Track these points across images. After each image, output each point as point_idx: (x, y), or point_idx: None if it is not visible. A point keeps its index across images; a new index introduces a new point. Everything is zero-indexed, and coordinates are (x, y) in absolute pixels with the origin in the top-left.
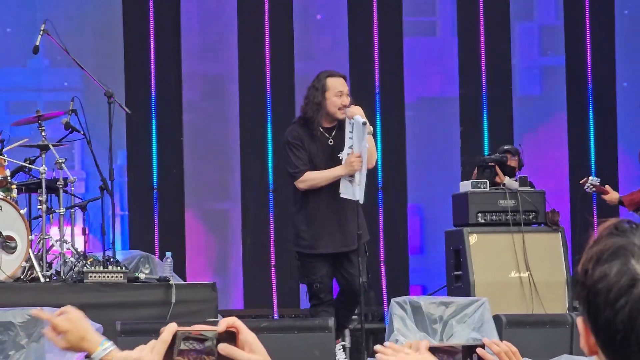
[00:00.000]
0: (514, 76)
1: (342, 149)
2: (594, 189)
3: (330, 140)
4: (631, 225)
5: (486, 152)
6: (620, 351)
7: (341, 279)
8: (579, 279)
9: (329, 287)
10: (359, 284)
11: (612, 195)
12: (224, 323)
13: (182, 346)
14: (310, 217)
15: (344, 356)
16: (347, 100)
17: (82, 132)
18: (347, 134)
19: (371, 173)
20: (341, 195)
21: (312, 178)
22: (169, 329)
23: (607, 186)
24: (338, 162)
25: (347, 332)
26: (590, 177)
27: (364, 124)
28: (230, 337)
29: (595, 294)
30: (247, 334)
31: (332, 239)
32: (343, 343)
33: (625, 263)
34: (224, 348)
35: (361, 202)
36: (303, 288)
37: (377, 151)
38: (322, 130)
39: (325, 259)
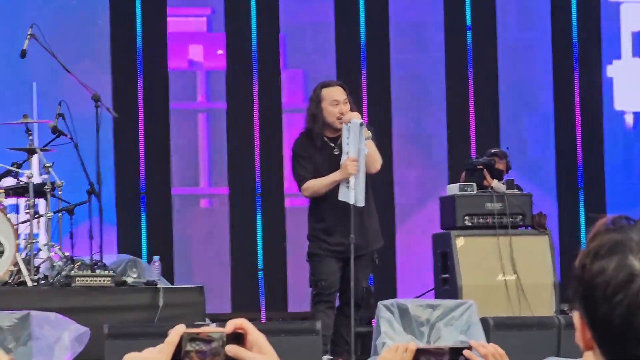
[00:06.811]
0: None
1: None
2: None
3: (336, 149)
4: (628, 221)
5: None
6: (617, 346)
7: (345, 282)
8: (576, 273)
9: (334, 287)
10: (361, 289)
11: None
12: (232, 324)
13: (189, 347)
14: (321, 221)
15: None
16: (344, 108)
17: (69, 136)
18: (344, 140)
19: None
20: (339, 199)
21: (312, 185)
22: (176, 331)
23: None
24: None
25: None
26: None
27: (361, 124)
28: (238, 338)
29: (592, 288)
30: (255, 335)
31: (342, 244)
32: (331, 358)
33: (623, 258)
34: (231, 349)
35: (360, 205)
36: (291, 291)
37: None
38: (327, 140)
39: (335, 259)
